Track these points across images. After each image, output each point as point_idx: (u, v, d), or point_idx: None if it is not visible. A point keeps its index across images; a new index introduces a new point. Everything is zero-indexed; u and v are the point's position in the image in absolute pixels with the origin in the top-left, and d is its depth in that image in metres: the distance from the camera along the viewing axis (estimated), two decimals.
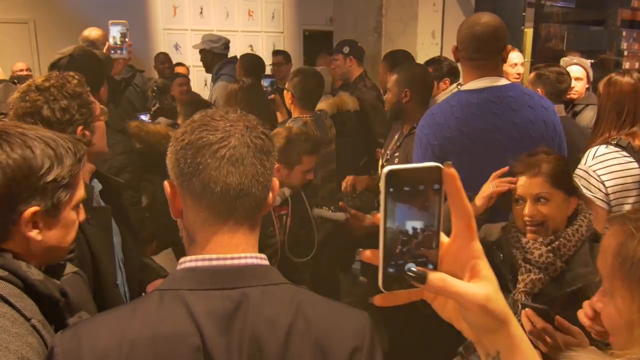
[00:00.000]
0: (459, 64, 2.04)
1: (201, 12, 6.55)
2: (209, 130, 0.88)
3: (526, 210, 1.58)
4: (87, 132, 1.46)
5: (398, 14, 3.84)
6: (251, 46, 6.89)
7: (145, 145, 2.51)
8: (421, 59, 3.99)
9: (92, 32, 3.31)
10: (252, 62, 3.87)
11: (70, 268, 1.19)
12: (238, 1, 6.80)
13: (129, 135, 2.46)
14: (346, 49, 3.82)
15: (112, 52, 2.77)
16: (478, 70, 1.97)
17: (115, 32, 2.75)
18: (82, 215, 1.13)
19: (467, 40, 1.95)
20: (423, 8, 3.99)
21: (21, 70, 4.72)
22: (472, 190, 1.89)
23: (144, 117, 3.38)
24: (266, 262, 0.91)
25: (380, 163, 2.72)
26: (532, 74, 2.97)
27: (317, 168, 3.02)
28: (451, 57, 4.30)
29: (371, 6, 3.83)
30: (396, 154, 2.54)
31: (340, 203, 2.53)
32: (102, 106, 1.55)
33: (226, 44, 4.18)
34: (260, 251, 0.93)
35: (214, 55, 4.11)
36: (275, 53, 5.09)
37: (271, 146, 0.93)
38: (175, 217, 0.93)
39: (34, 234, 1.00)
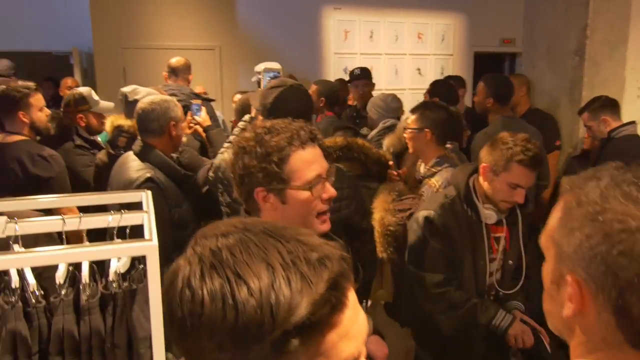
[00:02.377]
0: None
1: (371, 36, 6.57)
2: None
3: None
4: None
5: (605, 35, 3.37)
6: (419, 69, 6.73)
7: (362, 157, 2.75)
8: (630, 84, 3.47)
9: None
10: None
11: None
12: (408, 24, 6.70)
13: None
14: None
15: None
16: None
17: (268, 75, 3.28)
18: None
19: None
20: (635, 29, 3.46)
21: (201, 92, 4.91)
22: None
23: None
24: None
25: None
26: None
27: None
28: None
29: (572, 26, 3.40)
30: None
31: None
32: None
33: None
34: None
35: None
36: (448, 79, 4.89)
37: None
38: (567, 315, 0.80)
39: None
